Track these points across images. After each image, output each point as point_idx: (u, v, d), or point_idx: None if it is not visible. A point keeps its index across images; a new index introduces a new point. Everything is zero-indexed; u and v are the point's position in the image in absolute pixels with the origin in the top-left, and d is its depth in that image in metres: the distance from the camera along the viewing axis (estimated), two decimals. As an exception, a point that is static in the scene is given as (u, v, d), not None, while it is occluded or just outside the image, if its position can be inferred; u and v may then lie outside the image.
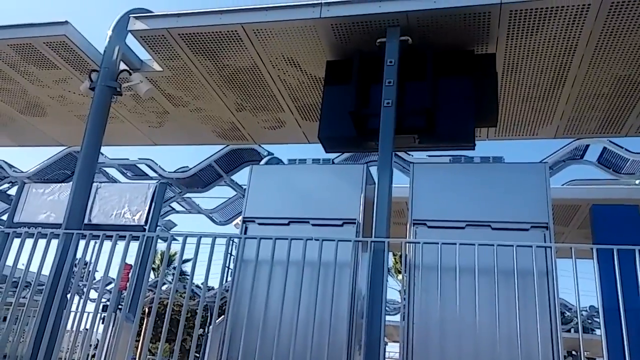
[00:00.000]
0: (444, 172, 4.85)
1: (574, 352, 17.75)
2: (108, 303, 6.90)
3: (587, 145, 9.16)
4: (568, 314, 17.94)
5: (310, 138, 7.36)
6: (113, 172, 12.18)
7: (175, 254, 25.96)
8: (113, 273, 4.95)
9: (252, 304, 4.32)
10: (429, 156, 8.57)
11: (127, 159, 11.47)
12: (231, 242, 4.67)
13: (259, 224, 4.97)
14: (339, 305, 4.24)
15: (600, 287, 4.44)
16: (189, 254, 19.65)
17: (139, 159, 11.44)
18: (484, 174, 4.69)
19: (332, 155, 7.91)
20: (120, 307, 6.92)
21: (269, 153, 10.19)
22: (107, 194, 8.18)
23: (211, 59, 5.82)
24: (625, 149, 8.63)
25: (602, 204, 4.99)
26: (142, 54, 6.08)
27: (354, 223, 4.71)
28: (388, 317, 11.66)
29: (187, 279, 26.33)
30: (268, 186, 5.13)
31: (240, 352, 4.02)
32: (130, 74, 5.96)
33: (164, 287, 18.18)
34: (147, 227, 7.78)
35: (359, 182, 4.89)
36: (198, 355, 17.13)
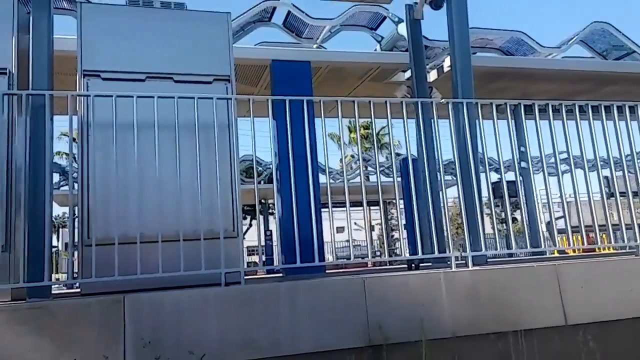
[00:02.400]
0: (119, 16, 4.21)
1: (262, 201, 20.14)
2: None
3: (274, 8, 9.41)
4: (260, 168, 19.87)
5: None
6: None
7: None
8: None
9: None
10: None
11: None
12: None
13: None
14: None
15: (277, 138, 4.75)
16: None
17: None
18: (165, 22, 4.26)
19: None
20: None
21: None
22: None
23: None
24: (306, 14, 9.17)
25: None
26: None
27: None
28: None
29: None
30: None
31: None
32: None
33: None
34: None
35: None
36: None
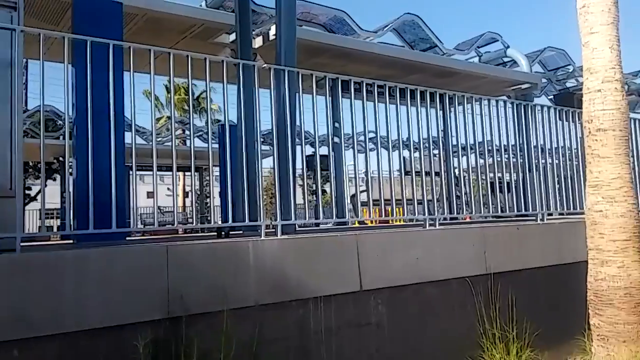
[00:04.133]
0: None
1: (60, 158, 17.97)
2: None
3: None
4: (60, 122, 17.62)
5: None
6: None
7: None
8: None
9: None
10: None
11: None
12: None
13: None
14: None
15: (75, 88, 4.14)
16: None
17: None
18: None
19: None
20: None
21: None
22: None
23: None
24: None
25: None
26: None
27: None
28: None
29: None
30: None
31: None
32: None
33: None
34: None
35: None
36: None
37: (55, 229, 15.74)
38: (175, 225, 3.96)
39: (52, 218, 20.26)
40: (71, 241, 4.51)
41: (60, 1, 6.78)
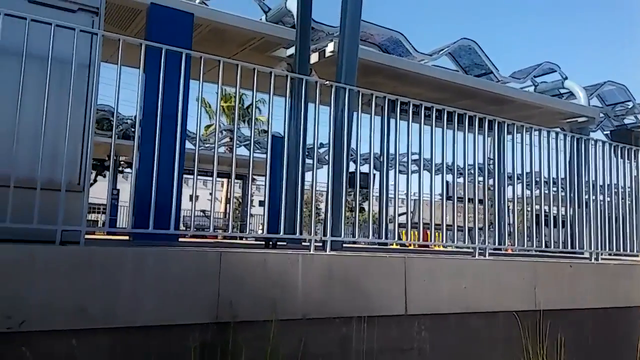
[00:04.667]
0: None
1: (114, 157, 18.59)
2: None
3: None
4: (111, 118, 18.27)
5: None
6: None
7: None
8: None
9: None
10: None
11: None
12: None
13: None
14: None
15: (144, 89, 4.30)
16: None
17: None
18: None
19: None
20: None
21: None
22: None
23: None
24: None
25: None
26: None
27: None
28: None
29: None
30: None
31: None
32: None
33: None
34: None
35: None
36: None
37: (100, 224, 16.24)
38: (230, 231, 4.04)
39: (98, 213, 20.98)
40: (127, 238, 4.65)
41: (132, 9, 7.10)
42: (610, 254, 5.88)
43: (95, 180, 24.38)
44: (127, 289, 3.05)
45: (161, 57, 3.50)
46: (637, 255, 5.91)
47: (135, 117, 3.51)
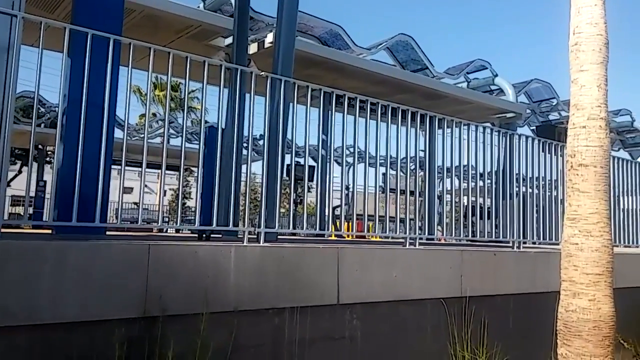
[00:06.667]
0: None
1: (40, 146, 17.66)
2: None
3: None
4: (42, 109, 17.32)
5: None
6: None
7: None
8: None
9: None
10: None
11: None
12: None
13: None
14: None
15: (70, 78, 4.11)
16: None
17: None
18: None
19: None
20: None
21: None
22: None
23: None
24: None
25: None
26: None
27: None
28: None
29: None
30: None
31: None
32: None
33: None
34: None
35: None
36: None
37: (26, 218, 15.38)
38: (160, 224, 3.94)
39: (19, 206, 19.82)
40: (49, 231, 4.44)
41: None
42: (533, 243, 6.24)
43: (20, 172, 23.05)
44: (47, 283, 2.92)
45: (86, 43, 3.35)
46: (557, 243, 6.30)
47: (58, 104, 3.34)
